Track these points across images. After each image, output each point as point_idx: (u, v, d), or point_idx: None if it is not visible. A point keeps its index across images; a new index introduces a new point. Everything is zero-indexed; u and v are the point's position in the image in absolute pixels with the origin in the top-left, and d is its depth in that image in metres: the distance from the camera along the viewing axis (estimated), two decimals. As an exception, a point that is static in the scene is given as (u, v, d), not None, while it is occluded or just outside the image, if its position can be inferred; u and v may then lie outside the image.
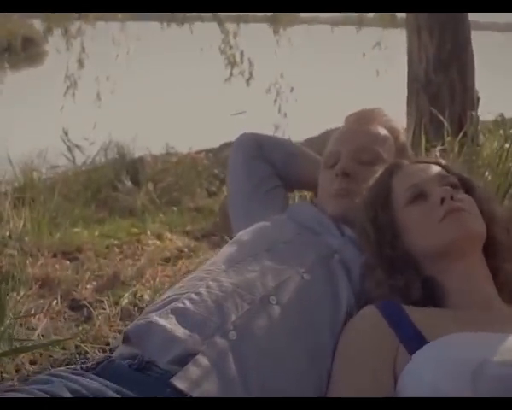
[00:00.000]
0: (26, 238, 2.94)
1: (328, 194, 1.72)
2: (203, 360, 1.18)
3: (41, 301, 2.30)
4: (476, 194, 1.44)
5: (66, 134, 4.69)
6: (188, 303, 1.28)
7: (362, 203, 1.50)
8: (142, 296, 2.18)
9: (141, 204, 4.03)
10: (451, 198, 1.37)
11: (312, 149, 2.09)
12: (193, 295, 1.30)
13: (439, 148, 2.49)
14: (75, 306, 2.30)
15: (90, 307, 2.19)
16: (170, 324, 1.23)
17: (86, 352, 1.82)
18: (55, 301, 2.32)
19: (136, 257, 2.77)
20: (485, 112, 2.96)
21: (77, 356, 1.80)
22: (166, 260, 2.76)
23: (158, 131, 5.64)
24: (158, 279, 2.42)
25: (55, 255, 2.87)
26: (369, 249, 1.44)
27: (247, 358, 1.20)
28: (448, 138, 2.55)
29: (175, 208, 4.05)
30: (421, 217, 1.39)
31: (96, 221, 3.75)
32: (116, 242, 3.07)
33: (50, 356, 1.81)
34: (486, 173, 2.30)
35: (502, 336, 1.19)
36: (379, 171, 1.68)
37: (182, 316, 1.26)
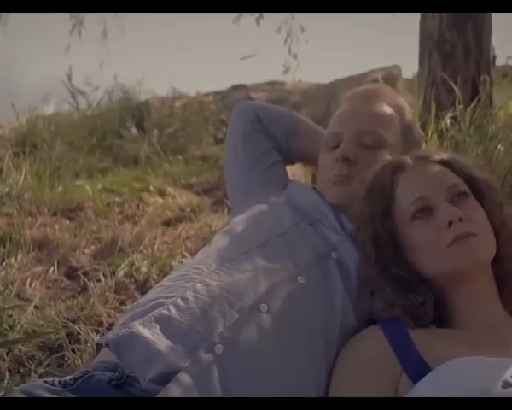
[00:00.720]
0: (26, 195, 2.89)
1: (327, 179, 1.63)
2: (185, 377, 1.13)
3: (37, 268, 2.27)
4: (486, 198, 1.35)
5: (69, 79, 4.58)
6: (173, 310, 1.23)
7: (360, 213, 1.40)
8: (138, 268, 2.14)
9: (145, 153, 3.96)
10: (460, 219, 1.27)
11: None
12: (179, 301, 1.25)
13: (450, 114, 2.38)
14: (72, 274, 2.27)
15: (85, 278, 2.15)
16: (153, 335, 1.18)
17: (78, 333, 1.78)
18: (51, 268, 2.29)
19: (136, 218, 2.72)
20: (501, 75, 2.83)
21: (67, 341, 1.76)
22: (167, 222, 2.71)
23: (165, 72, 5.52)
24: (156, 246, 2.38)
25: (54, 214, 2.83)
26: (371, 268, 1.34)
27: (233, 375, 1.15)
28: (460, 106, 2.43)
29: (180, 157, 3.99)
30: (427, 239, 1.29)
31: (99, 171, 3.70)
32: (117, 199, 3.01)
33: (42, 342, 1.78)
34: (499, 146, 2.20)
35: (507, 361, 1.13)
36: (383, 155, 1.59)
37: (166, 325, 1.20)
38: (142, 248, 2.38)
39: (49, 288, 2.19)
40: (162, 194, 3.15)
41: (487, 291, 1.29)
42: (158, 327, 1.20)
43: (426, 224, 1.31)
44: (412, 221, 1.33)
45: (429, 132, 2.36)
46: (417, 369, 1.17)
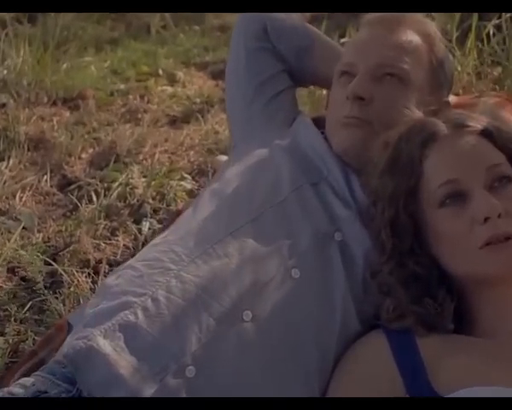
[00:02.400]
0: (25, 81, 2.68)
1: (336, 121, 1.40)
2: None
3: (29, 178, 2.13)
4: None
5: None
6: (141, 316, 1.08)
7: (380, 187, 1.18)
8: (133, 190, 1.98)
9: (159, 20, 3.67)
10: (499, 216, 1.07)
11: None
12: (149, 303, 1.09)
13: (493, 23, 2.06)
14: (65, 187, 2.12)
15: (77, 197, 2.01)
16: (115, 349, 1.04)
17: (61, 280, 1.66)
18: (44, 178, 2.14)
19: (139, 115, 2.53)
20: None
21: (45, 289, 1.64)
22: (172, 121, 2.52)
23: None
24: (156, 156, 2.20)
25: (54, 104, 2.65)
26: (384, 262, 1.15)
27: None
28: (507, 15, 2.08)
29: (197, 28, 3.70)
30: (456, 233, 1.10)
31: (109, 42, 3.45)
32: (122, 87, 2.80)
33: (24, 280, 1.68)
34: None
35: None
36: (406, 95, 1.35)
37: (131, 336, 1.06)
38: (141, 157, 2.21)
39: (39, 202, 2.06)
40: (172, 79, 2.92)
41: None
42: (122, 339, 1.06)
43: (456, 213, 1.10)
44: (440, 207, 1.12)
45: (468, 44, 2.06)
46: (421, 390, 1.03)
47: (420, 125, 1.21)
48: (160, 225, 1.84)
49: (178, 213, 1.81)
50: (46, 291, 1.64)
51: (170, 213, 1.87)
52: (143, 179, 2.03)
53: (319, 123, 1.55)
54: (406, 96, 1.35)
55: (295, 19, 1.70)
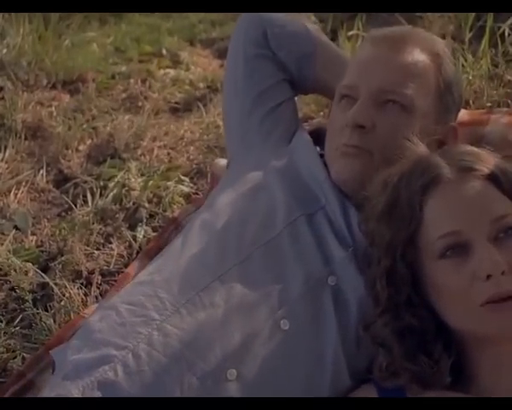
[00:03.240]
0: (24, 61, 2.62)
1: (335, 147, 1.34)
2: None
3: (25, 173, 2.08)
4: None
5: None
6: (120, 373, 1.04)
7: (376, 235, 1.12)
8: (129, 192, 1.93)
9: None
10: (502, 273, 1.01)
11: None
12: (129, 359, 1.06)
13: (508, 22, 1.95)
14: (60, 183, 2.08)
15: (73, 195, 1.97)
16: None
17: (52, 293, 1.63)
18: (40, 173, 2.09)
19: (140, 103, 2.46)
20: None
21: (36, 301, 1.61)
22: (173, 109, 2.45)
23: None
24: (155, 153, 2.15)
25: (53, 87, 2.58)
26: (378, 314, 1.09)
27: None
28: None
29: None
30: (457, 287, 1.04)
31: (112, 15, 3.35)
32: (123, 69, 2.72)
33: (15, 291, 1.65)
34: None
35: None
36: (411, 123, 1.29)
37: (110, 395, 1.03)
38: (139, 152, 2.15)
39: (35, 200, 2.02)
40: (175, 61, 2.84)
41: None
42: (100, 396, 1.03)
43: (457, 266, 1.04)
44: (440, 259, 1.06)
45: (482, 45, 1.97)
46: None
47: (422, 166, 1.13)
48: (154, 234, 1.79)
49: (174, 220, 1.77)
50: (37, 305, 1.61)
51: (166, 220, 1.82)
52: (140, 180, 1.98)
53: (320, 137, 1.49)
54: (410, 125, 1.28)
55: (297, 23, 1.61)
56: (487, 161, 1.12)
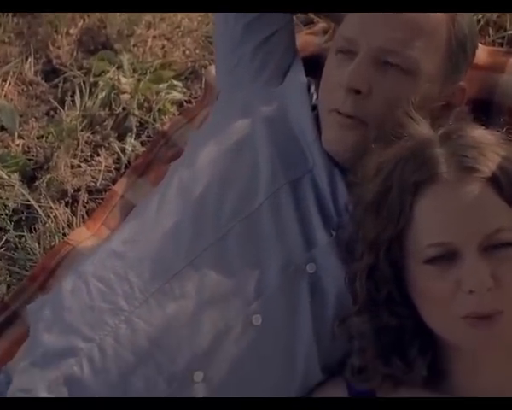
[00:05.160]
0: None
1: (328, 110, 1.23)
2: None
3: (12, 62, 1.98)
4: None
5: None
6: (86, 369, 1.04)
7: (362, 230, 1.07)
8: (118, 95, 1.84)
9: None
10: (488, 290, 0.97)
11: None
12: (95, 353, 1.05)
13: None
14: (49, 75, 1.98)
15: (59, 96, 1.88)
16: None
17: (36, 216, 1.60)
18: (28, 61, 1.99)
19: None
20: None
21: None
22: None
23: None
24: (149, 43, 2.02)
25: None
26: (356, 310, 1.06)
27: None
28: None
29: None
30: (439, 295, 1.00)
31: None
32: None
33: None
34: None
35: None
36: (414, 87, 1.17)
37: (76, 392, 1.03)
38: (132, 42, 2.03)
39: (23, 92, 1.94)
40: None
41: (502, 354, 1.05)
42: (66, 393, 1.03)
43: (442, 273, 1.00)
44: (425, 264, 1.01)
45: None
46: None
47: (419, 157, 1.04)
48: (143, 149, 1.73)
49: (164, 134, 1.70)
50: (22, 226, 1.60)
51: (155, 133, 1.76)
52: (131, 80, 1.88)
53: (319, 65, 1.38)
54: (411, 92, 1.16)
55: None
56: (490, 157, 1.03)
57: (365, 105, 1.18)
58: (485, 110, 1.35)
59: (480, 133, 1.07)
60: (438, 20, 1.20)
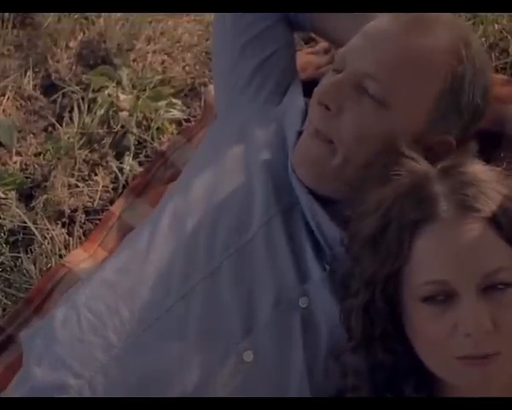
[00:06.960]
0: None
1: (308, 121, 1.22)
2: None
3: (11, 77, 1.97)
4: None
5: None
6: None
7: (357, 269, 1.05)
8: (117, 113, 1.83)
9: None
10: (487, 333, 0.95)
11: None
12: (85, 390, 1.05)
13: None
14: (48, 90, 1.97)
15: (58, 111, 1.87)
16: None
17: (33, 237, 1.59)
18: (27, 75, 1.98)
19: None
20: None
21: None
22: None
23: None
24: (149, 58, 2.01)
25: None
26: (350, 349, 1.05)
27: None
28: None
29: None
30: (435, 335, 0.98)
31: None
32: None
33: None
34: None
35: None
36: (381, 123, 1.14)
37: None
38: (132, 56, 2.02)
39: (21, 107, 1.93)
40: None
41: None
42: None
43: (439, 314, 0.98)
44: (422, 302, 0.99)
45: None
46: None
47: (418, 194, 1.02)
48: (141, 168, 1.72)
49: (162, 154, 1.70)
50: (18, 247, 1.59)
51: (153, 153, 1.75)
52: (131, 96, 1.87)
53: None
54: (381, 124, 1.13)
55: None
56: (490, 196, 1.01)
57: (333, 123, 1.15)
58: (496, 142, 1.33)
59: (480, 169, 1.06)
60: (439, 65, 1.15)
